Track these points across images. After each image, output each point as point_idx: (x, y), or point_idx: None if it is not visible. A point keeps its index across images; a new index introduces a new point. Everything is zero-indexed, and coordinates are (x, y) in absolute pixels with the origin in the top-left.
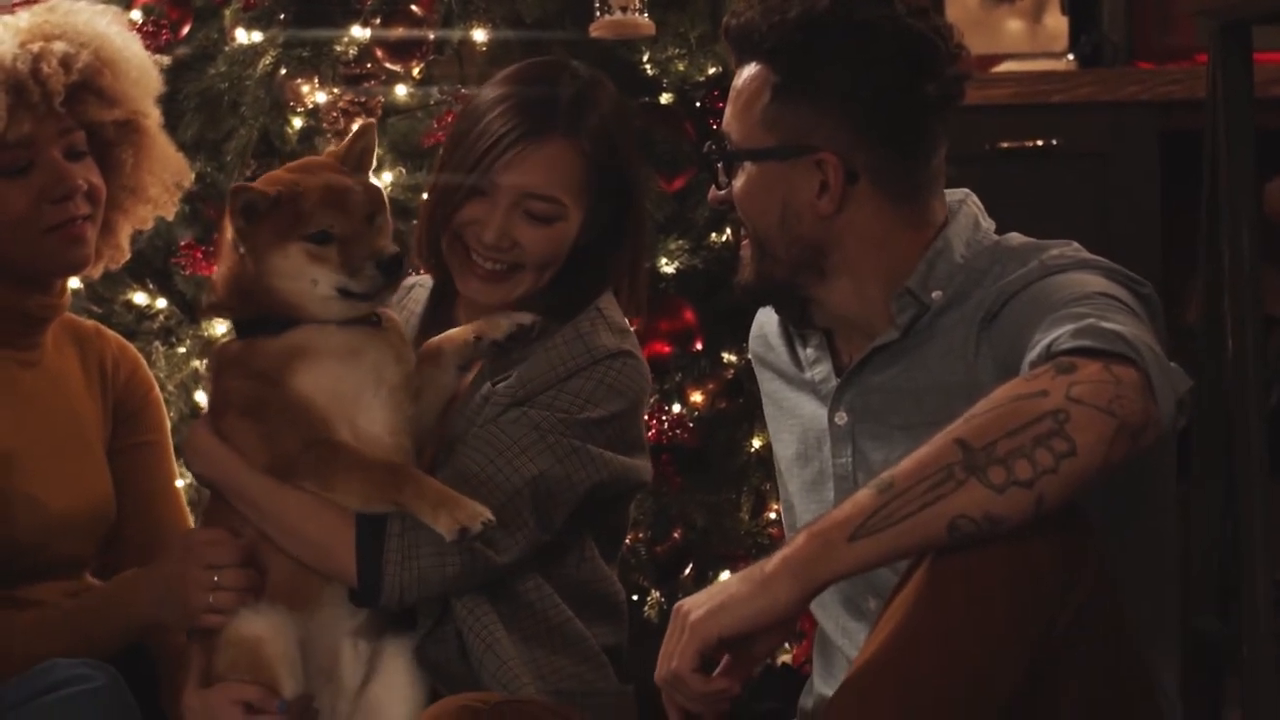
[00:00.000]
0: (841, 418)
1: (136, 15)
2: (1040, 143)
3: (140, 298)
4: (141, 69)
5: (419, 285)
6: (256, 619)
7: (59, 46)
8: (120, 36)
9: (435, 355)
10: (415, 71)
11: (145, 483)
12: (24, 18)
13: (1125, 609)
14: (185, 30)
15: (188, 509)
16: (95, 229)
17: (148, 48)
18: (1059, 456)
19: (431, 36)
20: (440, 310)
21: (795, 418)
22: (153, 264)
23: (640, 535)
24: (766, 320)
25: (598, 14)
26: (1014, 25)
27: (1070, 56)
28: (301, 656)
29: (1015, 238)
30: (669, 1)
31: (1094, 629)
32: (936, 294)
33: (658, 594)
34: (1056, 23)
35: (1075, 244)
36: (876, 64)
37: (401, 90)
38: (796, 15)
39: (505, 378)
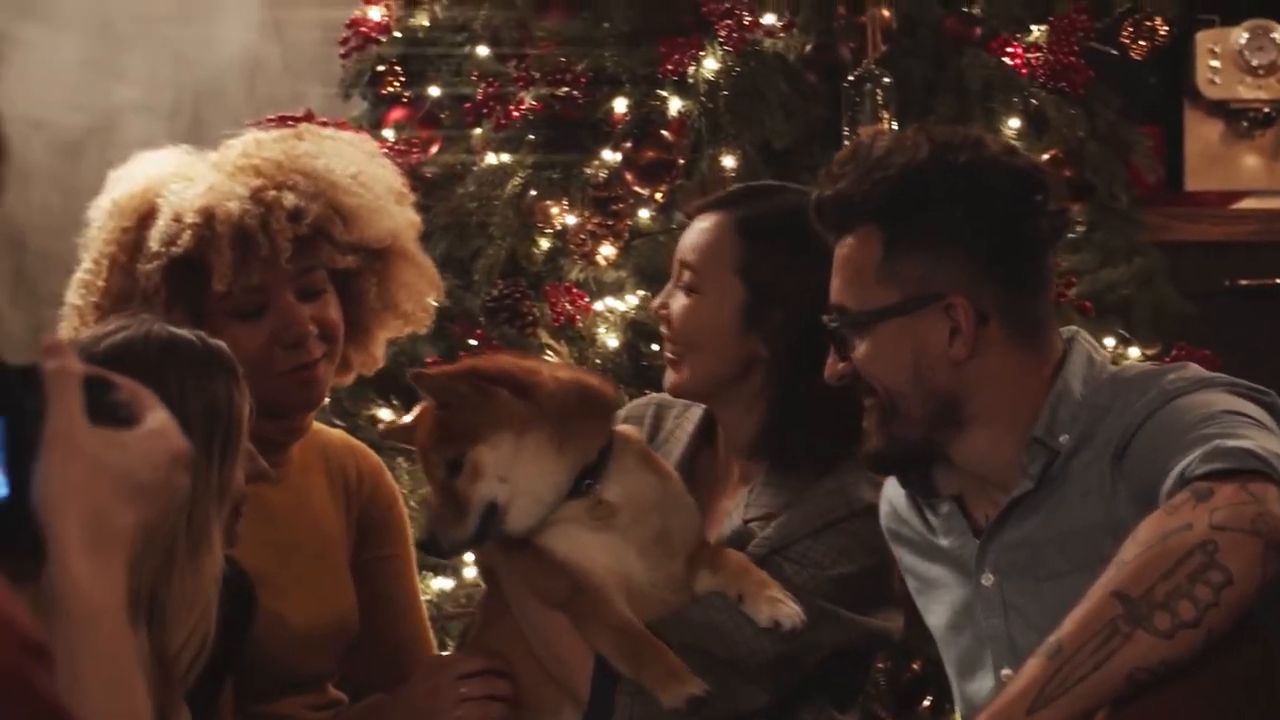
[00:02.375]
0: (988, 579)
1: (388, 134)
2: None
3: (385, 413)
4: (378, 211)
5: (695, 405)
6: None
7: (289, 200)
8: (359, 181)
9: (710, 566)
10: (658, 195)
11: (387, 596)
12: (267, 145)
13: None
14: (434, 149)
15: (428, 623)
16: (332, 364)
17: (398, 166)
18: (1218, 588)
19: (681, 161)
20: (709, 436)
21: (940, 588)
22: (398, 380)
23: (880, 665)
24: (894, 495)
25: (846, 143)
26: (1253, 162)
27: None
28: None
29: (1132, 368)
30: None
31: None
32: (1064, 438)
33: None
34: None
35: (1193, 365)
36: (988, 202)
37: (644, 214)
38: (899, 170)
39: (763, 519)
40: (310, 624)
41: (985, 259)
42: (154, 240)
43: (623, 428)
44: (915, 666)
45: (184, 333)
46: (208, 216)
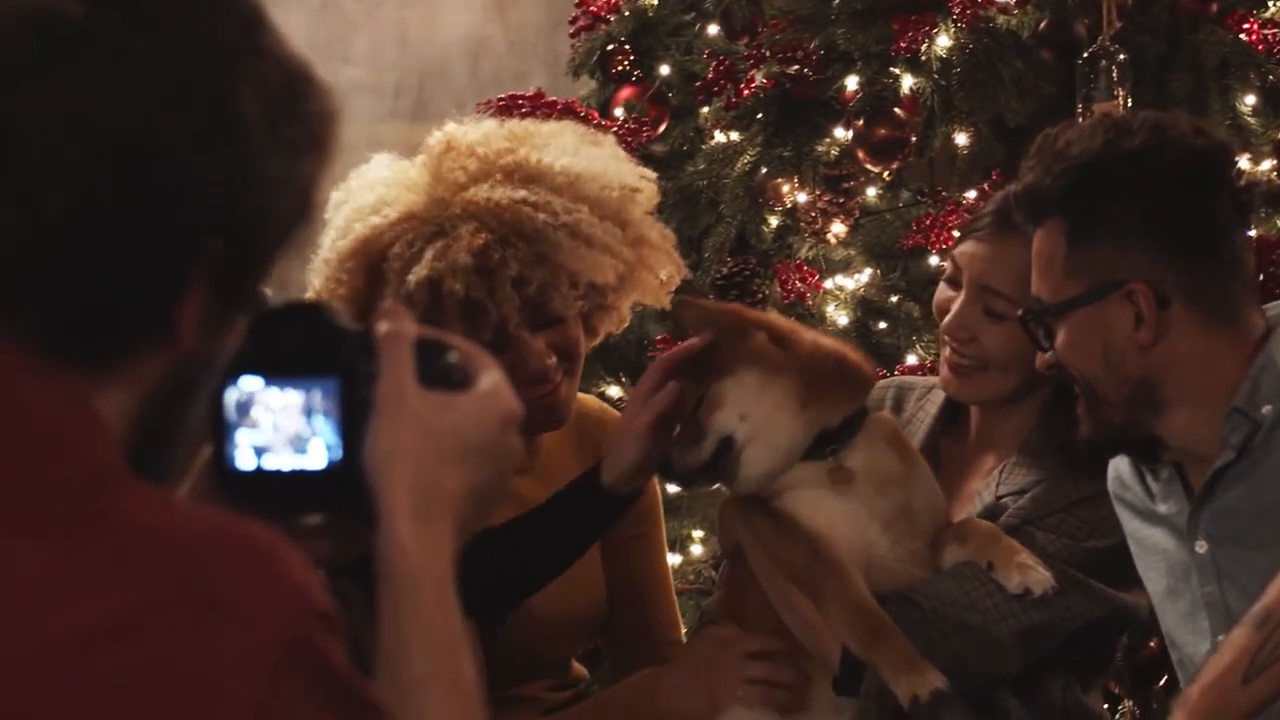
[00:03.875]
0: (1202, 546)
1: (618, 113)
2: None
3: (614, 391)
4: (600, 264)
5: (938, 388)
6: (744, 718)
7: (514, 268)
8: (581, 232)
9: (959, 538)
10: (885, 174)
11: (636, 576)
12: (489, 185)
13: None
14: (663, 128)
15: (676, 603)
16: (575, 379)
17: (628, 146)
18: None
19: (913, 139)
20: (953, 421)
21: (1158, 553)
22: (626, 357)
23: None
24: (1118, 460)
25: (1080, 117)
26: None
27: None
28: None
29: None
30: (1153, 104)
31: None
32: (1266, 409)
33: (1130, 704)
34: None
35: None
36: (1161, 186)
37: (872, 192)
38: (1074, 160)
39: (1016, 493)
40: (558, 613)
41: (1164, 243)
42: None
43: (879, 413)
44: (1152, 644)
45: None
46: (435, 292)
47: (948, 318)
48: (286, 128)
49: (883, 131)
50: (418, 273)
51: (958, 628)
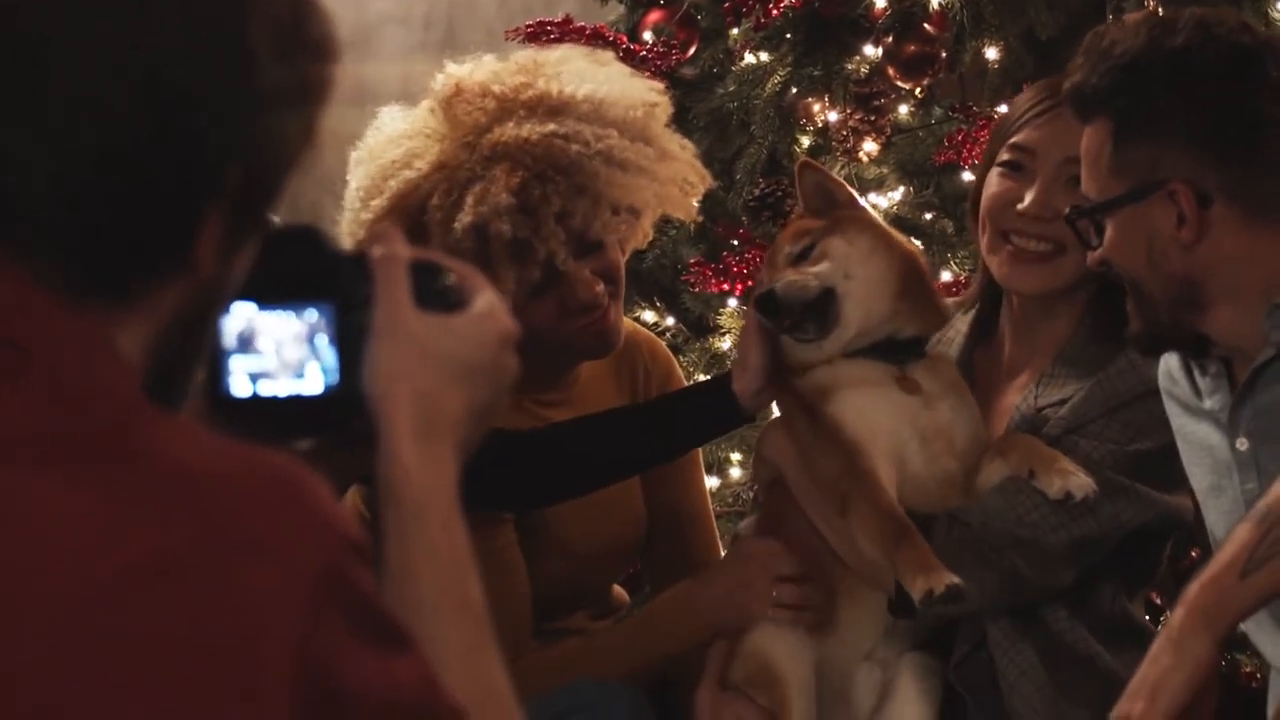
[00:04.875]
0: (1242, 443)
1: (648, 36)
2: None
3: (648, 315)
4: (639, 188)
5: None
6: (778, 637)
7: (556, 203)
8: (615, 157)
9: (1001, 453)
10: (917, 91)
11: (675, 500)
12: (515, 123)
13: None
14: (692, 50)
15: (715, 528)
16: (619, 300)
17: (656, 69)
18: None
19: (944, 54)
20: (986, 335)
21: (1203, 449)
22: (660, 283)
23: None
24: (1169, 355)
25: None
26: None
27: None
28: (816, 680)
29: None
30: None
31: None
32: None
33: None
34: None
35: None
36: (1202, 84)
37: (903, 109)
38: (1118, 58)
39: (1057, 404)
40: (598, 546)
41: (1206, 142)
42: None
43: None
44: (1194, 554)
45: None
46: (482, 238)
47: (1027, 203)
48: (293, 53)
49: (912, 48)
50: (462, 220)
51: (1011, 542)
